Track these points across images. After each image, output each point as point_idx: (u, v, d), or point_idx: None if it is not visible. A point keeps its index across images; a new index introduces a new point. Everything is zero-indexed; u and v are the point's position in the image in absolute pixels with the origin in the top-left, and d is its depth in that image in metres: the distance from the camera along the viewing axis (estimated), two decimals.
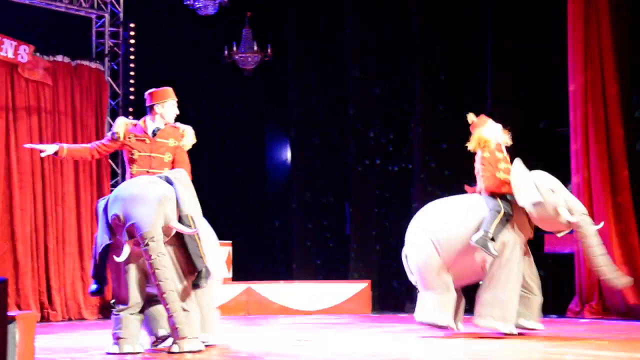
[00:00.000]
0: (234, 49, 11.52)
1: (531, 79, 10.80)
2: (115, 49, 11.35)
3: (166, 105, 6.51)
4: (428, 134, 11.31)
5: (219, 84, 12.68)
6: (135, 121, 6.56)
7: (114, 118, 11.34)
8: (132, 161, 6.35)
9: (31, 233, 10.07)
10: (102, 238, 6.06)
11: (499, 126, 7.45)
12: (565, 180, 10.21)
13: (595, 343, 6.81)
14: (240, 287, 10.89)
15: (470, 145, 7.32)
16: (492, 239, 6.96)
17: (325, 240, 12.48)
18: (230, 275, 10.97)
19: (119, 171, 11.36)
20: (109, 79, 11.25)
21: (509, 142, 7.46)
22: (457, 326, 7.36)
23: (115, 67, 11.39)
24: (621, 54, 9.74)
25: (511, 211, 7.13)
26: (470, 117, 7.48)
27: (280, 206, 13.23)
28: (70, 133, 10.63)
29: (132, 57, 11.46)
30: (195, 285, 6.11)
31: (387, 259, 11.79)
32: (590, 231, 7.17)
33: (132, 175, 6.32)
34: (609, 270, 7.17)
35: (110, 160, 11.13)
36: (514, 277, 7.08)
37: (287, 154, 13.38)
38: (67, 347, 6.98)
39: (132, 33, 11.43)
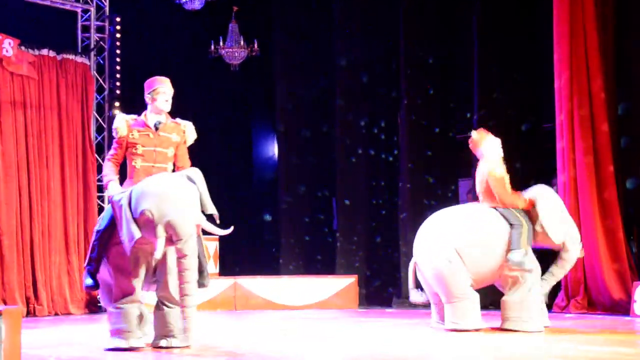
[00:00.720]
0: (221, 43, 11.49)
1: (517, 72, 10.81)
2: (101, 43, 11.30)
3: (155, 94, 6.47)
4: (416, 120, 11.33)
5: (206, 79, 12.66)
6: (134, 116, 6.45)
7: (100, 112, 11.33)
8: (135, 155, 6.23)
9: (17, 227, 10.02)
10: (130, 232, 5.82)
11: (498, 141, 7.67)
12: (551, 176, 10.29)
13: (581, 338, 6.85)
14: (227, 282, 10.88)
15: (489, 175, 7.49)
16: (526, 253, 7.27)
17: (312, 235, 12.48)
18: (217, 270, 10.96)
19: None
20: (95, 73, 11.21)
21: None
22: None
23: (102, 62, 11.34)
24: (606, 50, 9.78)
25: (528, 223, 7.39)
26: (474, 134, 7.69)
27: (267, 201, 13.22)
28: (56, 127, 10.58)
29: (118, 51, 11.41)
30: (201, 285, 6.13)
31: (374, 254, 11.81)
32: (573, 260, 7.72)
33: (135, 170, 6.18)
34: (548, 287, 7.66)
35: (96, 155, 11.09)
36: (536, 280, 7.40)
37: (274, 149, 13.37)
38: (54, 341, 6.95)
39: (118, 27, 11.38)
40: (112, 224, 6.04)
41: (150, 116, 6.40)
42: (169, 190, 5.88)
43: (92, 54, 11.18)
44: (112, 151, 6.36)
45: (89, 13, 11.18)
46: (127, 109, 11.69)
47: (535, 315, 7.27)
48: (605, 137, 9.67)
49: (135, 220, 5.83)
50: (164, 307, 6.16)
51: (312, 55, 12.42)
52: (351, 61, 11.93)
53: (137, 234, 5.81)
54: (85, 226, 10.74)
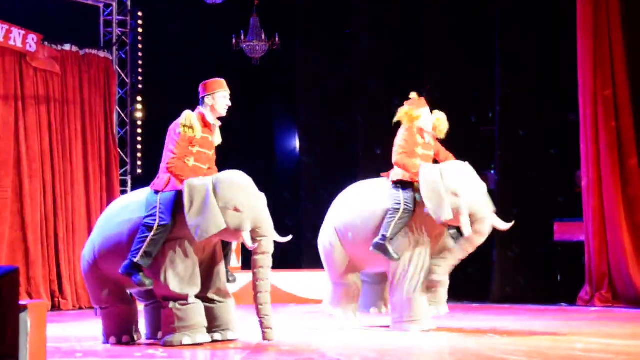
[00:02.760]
0: (242, 37, 11.50)
1: (539, 65, 10.74)
2: (124, 37, 11.35)
3: (216, 97, 6.32)
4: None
5: (227, 73, 12.62)
6: (196, 114, 6.26)
7: (122, 107, 11.38)
8: (188, 153, 6.11)
9: (41, 222, 10.10)
10: (216, 219, 5.80)
11: (435, 115, 7.20)
12: (574, 168, 10.21)
13: (605, 331, 6.80)
14: (250, 276, 10.86)
15: (397, 117, 7.08)
16: (392, 239, 6.79)
17: None
18: (239, 264, 10.98)
19: (127, 160, 11.38)
20: (117, 68, 11.26)
21: (441, 135, 7.22)
22: (381, 310, 7.32)
23: (124, 56, 11.40)
24: (630, 41, 9.70)
25: (412, 206, 6.87)
26: (412, 95, 7.27)
27: (290, 194, 13.23)
28: (79, 122, 10.65)
29: (140, 46, 11.46)
30: (229, 280, 6.24)
31: None
32: (473, 239, 6.91)
33: (187, 167, 6.07)
34: (447, 267, 7.09)
35: (119, 150, 11.15)
36: (417, 276, 6.85)
37: (296, 143, 13.37)
38: (78, 335, 7.01)
39: (140, 22, 11.43)
40: (174, 217, 5.94)
41: (209, 118, 6.30)
42: (253, 186, 6.01)
43: (115, 48, 11.24)
44: (178, 150, 6.08)
45: (111, 8, 11.23)
46: (149, 103, 11.78)
47: (420, 314, 6.82)
48: (630, 131, 9.59)
49: (220, 209, 5.83)
50: (216, 302, 6.15)
51: (334, 49, 12.39)
52: (374, 56, 11.89)
53: (223, 224, 5.82)
54: None
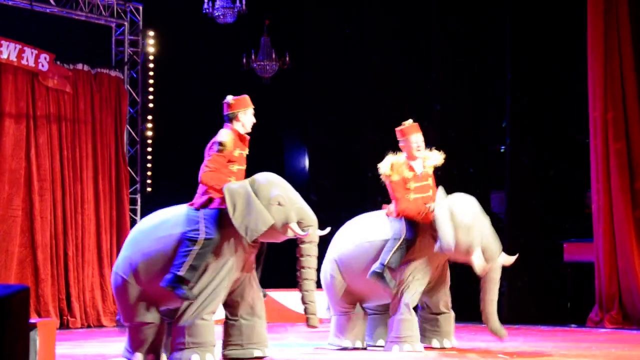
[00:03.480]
0: (253, 57, 11.55)
1: (549, 84, 10.75)
2: (135, 57, 11.42)
3: (248, 113, 6.42)
4: (447, 131, 11.25)
5: (238, 92, 12.71)
6: (233, 132, 6.28)
7: (132, 126, 11.44)
8: (227, 173, 6.12)
9: (51, 240, 10.13)
10: (264, 218, 5.84)
11: (418, 137, 7.07)
12: (585, 188, 10.18)
13: (615, 354, 6.76)
14: None
15: (383, 169, 6.98)
16: (392, 269, 6.69)
17: None
18: None
19: (137, 178, 11.42)
20: (129, 87, 11.33)
21: (438, 162, 7.08)
22: (377, 342, 7.20)
23: (135, 76, 11.47)
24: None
25: (413, 235, 6.77)
26: (407, 122, 7.22)
27: None
28: (90, 141, 10.70)
29: (151, 65, 11.54)
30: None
31: None
32: (496, 279, 6.83)
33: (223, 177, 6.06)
34: (493, 317, 6.83)
35: (129, 168, 11.19)
36: (410, 299, 6.78)
37: (306, 162, 13.38)
38: (87, 354, 7.00)
39: (151, 41, 11.51)
40: (219, 232, 5.91)
41: (242, 134, 6.34)
42: (287, 184, 6.15)
43: (126, 67, 11.31)
44: (213, 164, 6.08)
45: (123, 27, 11.31)
46: (159, 122, 11.83)
47: (415, 335, 6.73)
48: None
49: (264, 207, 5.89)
50: (248, 319, 6.14)
51: (344, 68, 12.43)
52: (383, 75, 11.92)
53: (270, 220, 5.88)
54: (118, 239, 10.82)
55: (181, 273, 5.81)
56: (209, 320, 5.91)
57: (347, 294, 7.13)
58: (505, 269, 10.68)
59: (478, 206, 6.87)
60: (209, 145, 6.25)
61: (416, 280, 6.78)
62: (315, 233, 6.06)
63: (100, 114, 10.82)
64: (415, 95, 11.82)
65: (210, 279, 5.89)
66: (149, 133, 11.56)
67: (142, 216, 11.48)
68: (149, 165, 11.58)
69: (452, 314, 7.06)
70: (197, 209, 6.02)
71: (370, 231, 7.00)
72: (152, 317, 6.15)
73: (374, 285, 6.84)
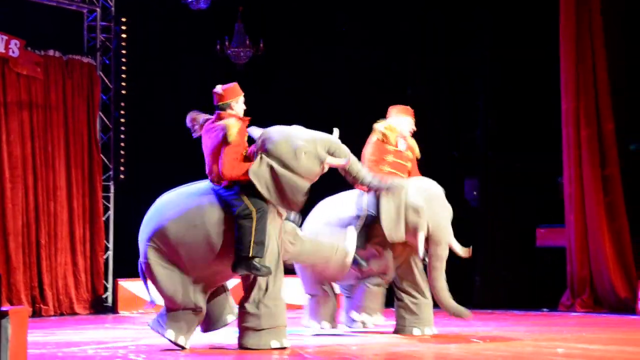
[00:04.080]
0: (227, 43, 11.49)
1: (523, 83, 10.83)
2: (107, 43, 11.32)
3: (239, 101, 6.39)
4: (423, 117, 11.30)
5: (212, 79, 12.64)
6: (234, 121, 6.23)
7: (105, 112, 11.35)
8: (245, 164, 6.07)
9: (23, 228, 10.05)
10: (299, 183, 6.00)
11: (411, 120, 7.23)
12: (557, 173, 10.27)
13: (586, 337, 6.84)
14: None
15: (380, 127, 7.11)
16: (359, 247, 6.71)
17: None
18: None
19: (110, 166, 11.34)
20: (101, 73, 11.23)
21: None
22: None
23: (107, 62, 11.37)
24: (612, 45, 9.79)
25: (376, 212, 6.86)
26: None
27: None
28: (62, 128, 10.61)
29: (123, 51, 11.44)
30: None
31: None
32: (438, 266, 6.84)
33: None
34: (449, 303, 6.90)
35: (102, 155, 11.12)
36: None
37: None
38: (60, 341, 6.97)
39: (123, 27, 11.41)
40: (263, 204, 5.90)
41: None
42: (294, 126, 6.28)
43: (98, 54, 11.21)
44: (231, 155, 6.03)
45: (95, 13, 11.20)
46: (132, 109, 11.75)
47: (372, 304, 6.99)
48: (611, 138, 9.67)
49: (290, 164, 6.00)
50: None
51: (318, 54, 12.41)
52: (357, 61, 11.93)
53: (305, 184, 6.03)
54: (91, 226, 10.77)
55: (250, 254, 5.75)
56: (281, 301, 5.92)
57: (319, 275, 7.16)
58: (479, 255, 10.85)
59: (438, 193, 6.92)
60: (214, 133, 6.15)
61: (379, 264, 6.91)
62: (350, 158, 6.14)
63: (72, 101, 10.73)
64: (389, 81, 11.84)
65: (274, 255, 5.91)
66: (122, 120, 11.48)
67: (116, 204, 11.42)
68: (122, 152, 11.50)
69: (431, 301, 7.10)
70: (229, 188, 5.96)
71: (339, 209, 7.05)
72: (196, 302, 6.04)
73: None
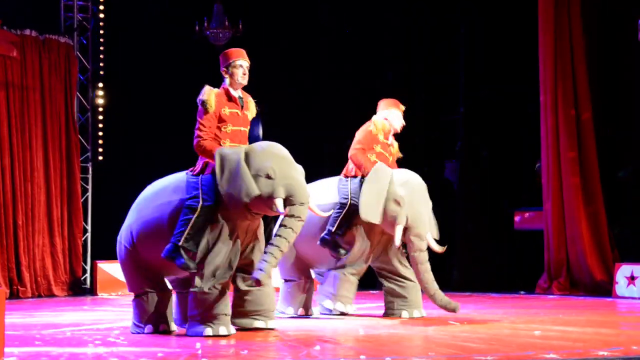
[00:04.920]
0: (205, 24, 11.41)
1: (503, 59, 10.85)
2: (84, 23, 11.21)
3: (237, 65, 6.10)
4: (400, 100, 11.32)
5: (190, 60, 12.58)
6: (218, 90, 6.03)
7: (83, 93, 11.25)
8: (224, 134, 5.89)
9: (0, 208, 9.96)
10: (248, 187, 5.61)
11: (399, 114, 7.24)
12: (535, 157, 10.33)
13: (563, 319, 6.91)
14: None
15: (377, 122, 7.12)
16: (340, 235, 6.83)
17: None
18: None
19: (88, 147, 11.27)
20: (78, 53, 11.13)
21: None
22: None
23: (85, 42, 11.26)
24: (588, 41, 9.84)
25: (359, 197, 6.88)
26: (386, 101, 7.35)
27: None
28: (39, 108, 10.51)
29: (101, 31, 11.33)
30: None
31: None
32: (420, 259, 6.83)
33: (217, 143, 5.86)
34: (434, 289, 6.84)
35: (80, 136, 11.03)
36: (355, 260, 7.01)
37: (259, 130, 13.31)
38: (38, 323, 6.94)
39: (101, 7, 11.29)
40: (217, 198, 5.71)
41: (233, 93, 6.06)
42: (288, 156, 5.85)
43: (75, 34, 11.10)
44: (203, 128, 5.84)
45: None
46: (110, 89, 11.65)
47: (345, 291, 6.98)
48: (589, 123, 9.73)
49: (252, 177, 5.66)
50: (253, 288, 5.95)
51: (298, 36, 12.36)
52: (337, 43, 11.91)
53: (255, 191, 5.63)
54: (69, 207, 10.70)
55: (180, 243, 5.65)
56: (220, 290, 5.70)
57: (297, 261, 7.18)
58: (457, 237, 10.92)
59: (421, 187, 6.95)
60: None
61: (360, 245, 6.94)
62: (300, 210, 5.74)
63: (49, 81, 10.62)
64: (369, 63, 11.83)
65: (210, 247, 5.72)
66: (100, 101, 11.39)
67: (94, 185, 11.36)
68: (100, 133, 11.42)
69: (417, 284, 7.11)
70: (196, 175, 5.83)
71: (319, 196, 7.02)
72: (155, 286, 6.04)
73: (323, 251, 6.90)
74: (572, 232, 9.70)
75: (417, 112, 11.29)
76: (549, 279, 9.87)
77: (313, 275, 7.46)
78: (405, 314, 7.04)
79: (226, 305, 5.78)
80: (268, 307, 6.05)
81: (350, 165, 7.10)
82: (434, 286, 6.84)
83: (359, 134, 7.15)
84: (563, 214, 9.77)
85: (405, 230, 6.81)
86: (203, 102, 5.91)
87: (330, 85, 11.98)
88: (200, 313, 5.72)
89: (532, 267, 10.39)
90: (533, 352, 4.89)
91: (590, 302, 8.77)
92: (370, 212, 6.80)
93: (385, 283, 7.14)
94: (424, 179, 7.08)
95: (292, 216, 5.72)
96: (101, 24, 11.29)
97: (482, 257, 10.78)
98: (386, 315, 7.11)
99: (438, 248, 6.87)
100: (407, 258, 7.06)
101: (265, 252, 5.76)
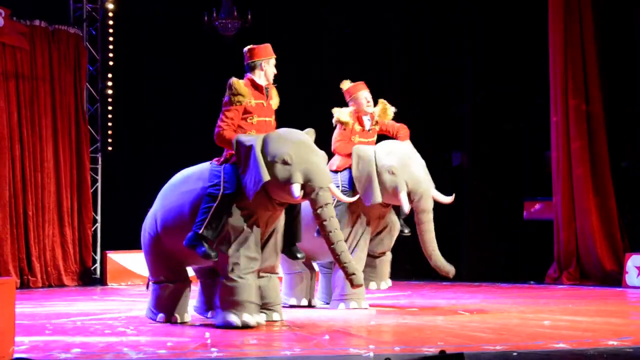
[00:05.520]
0: (214, 15, 11.40)
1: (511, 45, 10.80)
2: (94, 13, 11.22)
3: (270, 63, 6.12)
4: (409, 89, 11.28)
5: (199, 51, 12.58)
6: (244, 80, 5.98)
7: (92, 84, 11.27)
8: (249, 125, 5.86)
9: (10, 199, 10.00)
10: (258, 174, 5.54)
11: (378, 106, 7.14)
12: (545, 147, 10.29)
13: (572, 309, 6.89)
14: None
15: (341, 115, 7.07)
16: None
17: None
18: None
19: (98, 137, 11.30)
20: (88, 44, 11.14)
21: (389, 118, 7.15)
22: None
23: (94, 33, 11.27)
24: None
25: (351, 188, 6.87)
26: (346, 83, 7.31)
27: None
28: (48, 99, 10.53)
29: (110, 22, 11.34)
30: (297, 257, 6.08)
31: None
32: (426, 220, 6.80)
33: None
34: (431, 248, 6.82)
35: (89, 127, 11.06)
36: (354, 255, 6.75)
37: None
38: (48, 313, 6.97)
39: None
40: (239, 187, 5.69)
41: (257, 82, 6.04)
42: (308, 141, 5.80)
43: (85, 24, 11.11)
44: (226, 119, 5.82)
45: None
46: (119, 80, 11.66)
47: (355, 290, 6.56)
48: (600, 115, 9.69)
49: (268, 164, 5.61)
50: (263, 277, 5.93)
51: (306, 27, 12.33)
52: (344, 34, 11.88)
53: (266, 176, 5.54)
54: (79, 198, 10.73)
55: (201, 231, 5.60)
56: (246, 279, 5.65)
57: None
58: (466, 227, 10.91)
59: (407, 150, 6.93)
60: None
61: (361, 240, 6.90)
62: (325, 196, 5.65)
63: (59, 72, 10.64)
64: (377, 54, 11.80)
65: (233, 237, 5.68)
66: (109, 91, 11.41)
67: (104, 175, 11.40)
68: (109, 123, 11.44)
69: (389, 256, 7.15)
70: (220, 164, 5.80)
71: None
72: (175, 276, 6.03)
73: (321, 243, 6.89)
74: (582, 222, 9.67)
75: (416, 107, 11.29)
76: (558, 269, 9.85)
77: (316, 267, 7.46)
78: (373, 285, 7.08)
79: (253, 295, 5.72)
80: (275, 299, 6.05)
81: (337, 160, 7.05)
82: (432, 246, 6.81)
83: (335, 133, 7.13)
84: (573, 204, 9.75)
85: (409, 194, 6.78)
86: (235, 95, 5.86)
87: (337, 74, 11.92)
88: (227, 302, 5.68)
89: (541, 257, 10.37)
90: (542, 342, 4.89)
91: (600, 292, 8.75)
92: (370, 195, 6.77)
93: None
94: (430, 170, 7.06)
95: (321, 206, 5.65)
96: (110, 14, 11.29)
97: (492, 247, 10.77)
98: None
99: (446, 199, 6.89)
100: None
101: (336, 255, 5.71)
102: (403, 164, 6.79)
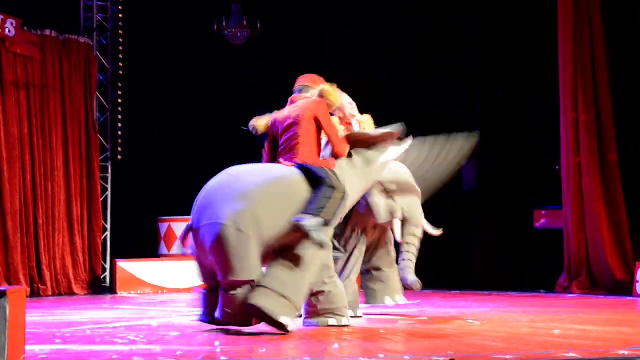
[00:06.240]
0: (224, 23, 11.44)
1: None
2: (104, 23, 11.28)
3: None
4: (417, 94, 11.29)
5: (208, 60, 12.63)
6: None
7: (102, 93, 11.32)
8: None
9: (20, 208, 10.05)
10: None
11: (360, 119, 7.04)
12: (555, 156, 10.27)
13: (583, 318, 6.87)
14: None
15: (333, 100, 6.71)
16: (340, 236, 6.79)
17: None
18: None
19: (108, 146, 11.34)
20: (98, 53, 11.20)
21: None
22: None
23: (104, 42, 11.32)
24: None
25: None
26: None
27: None
28: (59, 108, 10.59)
29: (120, 31, 11.40)
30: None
31: None
32: (413, 243, 6.91)
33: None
34: (402, 267, 6.94)
35: (99, 136, 11.10)
36: (353, 271, 6.93)
37: None
38: (58, 321, 6.99)
39: (120, 7, 11.35)
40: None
41: None
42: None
43: (95, 34, 11.17)
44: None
45: None
46: (129, 89, 11.71)
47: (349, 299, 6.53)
48: (610, 124, 9.67)
49: None
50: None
51: (315, 35, 12.36)
52: (354, 42, 11.89)
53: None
54: (89, 206, 10.77)
55: (327, 217, 5.53)
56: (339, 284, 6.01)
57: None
58: (476, 236, 10.87)
59: (408, 177, 6.93)
60: (317, 109, 6.19)
61: (359, 253, 6.89)
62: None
63: (69, 81, 10.70)
64: (377, 54, 11.80)
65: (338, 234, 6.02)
66: (119, 100, 11.46)
67: (113, 184, 11.40)
68: (119, 132, 11.49)
69: (396, 268, 7.15)
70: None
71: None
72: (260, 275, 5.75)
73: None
74: (592, 231, 9.64)
75: (435, 109, 11.31)
76: (568, 277, 9.82)
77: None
78: (388, 301, 7.08)
79: (346, 298, 6.05)
80: (342, 304, 6.11)
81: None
82: (404, 265, 6.88)
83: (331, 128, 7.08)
84: (583, 213, 9.72)
85: (402, 222, 6.84)
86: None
87: (347, 82, 11.93)
88: (323, 307, 5.98)
89: (551, 266, 10.34)
90: (552, 351, 4.87)
91: (611, 301, 8.71)
92: (384, 214, 6.84)
93: (367, 273, 7.15)
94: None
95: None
96: (120, 24, 11.35)
97: (502, 255, 10.75)
98: (367, 302, 7.12)
99: (436, 231, 6.94)
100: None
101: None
102: (401, 190, 6.85)
